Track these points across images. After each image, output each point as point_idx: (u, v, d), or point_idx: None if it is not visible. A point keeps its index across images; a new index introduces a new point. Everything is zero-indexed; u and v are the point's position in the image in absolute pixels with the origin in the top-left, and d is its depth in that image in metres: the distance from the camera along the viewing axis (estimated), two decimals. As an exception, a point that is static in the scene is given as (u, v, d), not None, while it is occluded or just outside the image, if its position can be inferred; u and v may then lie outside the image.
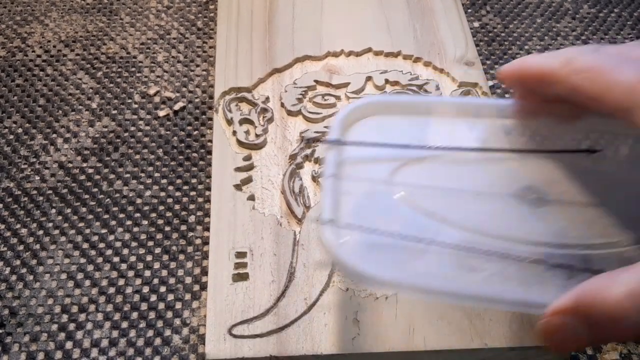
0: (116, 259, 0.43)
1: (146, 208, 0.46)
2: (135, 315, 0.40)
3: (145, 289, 0.41)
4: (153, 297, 0.41)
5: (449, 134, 0.38)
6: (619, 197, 0.37)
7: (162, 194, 0.47)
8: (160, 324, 0.40)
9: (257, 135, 0.47)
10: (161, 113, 0.52)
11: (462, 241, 0.34)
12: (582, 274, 0.33)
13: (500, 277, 0.33)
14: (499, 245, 0.34)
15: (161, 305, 0.41)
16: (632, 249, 0.35)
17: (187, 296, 0.41)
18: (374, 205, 0.35)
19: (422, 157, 0.37)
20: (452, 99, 0.43)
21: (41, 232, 0.44)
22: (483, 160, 0.38)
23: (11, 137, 0.51)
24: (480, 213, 0.35)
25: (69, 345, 0.39)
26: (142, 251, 0.43)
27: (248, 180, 0.44)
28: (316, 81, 0.51)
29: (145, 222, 0.45)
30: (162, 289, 0.41)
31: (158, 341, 0.39)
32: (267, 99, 0.50)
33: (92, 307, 0.40)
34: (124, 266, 0.42)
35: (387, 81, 0.51)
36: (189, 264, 0.43)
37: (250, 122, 0.48)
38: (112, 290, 0.41)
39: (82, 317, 0.40)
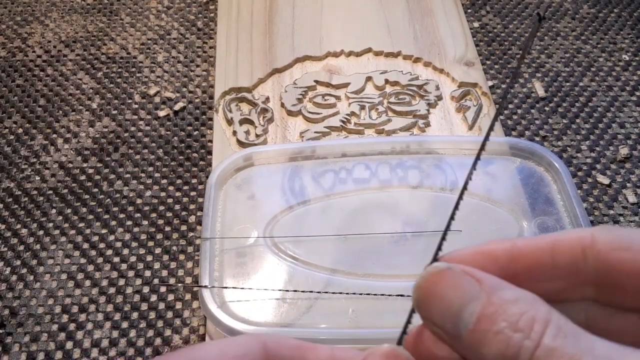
0: (116, 259, 0.43)
1: (146, 208, 0.46)
2: (135, 315, 0.40)
3: (146, 289, 0.41)
4: (153, 297, 0.41)
5: (321, 177, 0.43)
6: (477, 222, 0.40)
7: (163, 194, 0.47)
8: (160, 324, 0.40)
9: (257, 135, 0.47)
10: (161, 113, 0.52)
11: (332, 285, 0.38)
12: None
13: (372, 316, 0.36)
14: (370, 285, 0.37)
15: (161, 306, 0.41)
16: None
17: (187, 296, 0.41)
18: (252, 261, 0.39)
19: (296, 205, 0.42)
20: (334, 142, 0.46)
21: (41, 232, 0.45)
22: (354, 200, 0.42)
23: (11, 137, 0.51)
24: (350, 254, 0.39)
25: (69, 345, 0.39)
26: (142, 251, 0.43)
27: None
28: (316, 81, 0.51)
29: (145, 222, 0.45)
30: (163, 289, 0.41)
31: (158, 341, 0.39)
32: (267, 99, 0.50)
33: (92, 307, 0.40)
34: (124, 266, 0.42)
35: (387, 81, 0.51)
36: (189, 264, 0.43)
37: (251, 122, 0.48)
38: (112, 290, 0.41)
39: (83, 317, 0.40)
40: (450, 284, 0.19)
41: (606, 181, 0.48)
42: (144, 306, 0.40)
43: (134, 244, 0.44)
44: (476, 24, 0.60)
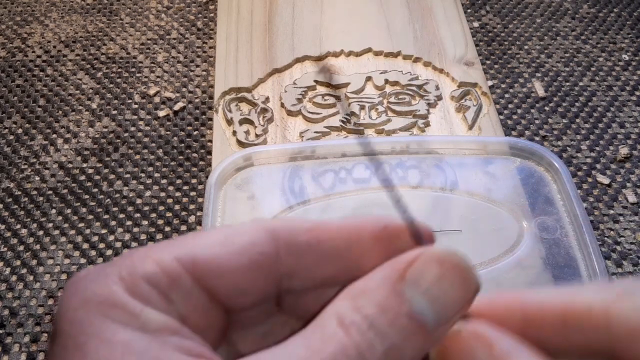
0: (116, 259, 0.43)
1: (146, 208, 0.46)
2: (135, 315, 0.40)
3: (146, 289, 0.41)
4: (153, 297, 0.41)
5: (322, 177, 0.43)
6: (477, 222, 0.40)
7: (162, 194, 0.47)
8: (160, 324, 0.40)
9: (257, 135, 0.47)
10: (161, 113, 0.52)
11: None
12: None
13: None
14: None
15: (161, 306, 0.40)
16: (486, 272, 0.38)
17: (188, 296, 0.41)
18: None
19: (296, 205, 0.42)
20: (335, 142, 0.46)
21: (41, 232, 0.44)
22: (354, 200, 0.42)
23: (11, 137, 0.51)
24: None
25: (69, 345, 0.39)
26: (142, 251, 0.43)
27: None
28: (316, 81, 0.51)
29: (145, 223, 0.45)
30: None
31: (158, 341, 0.39)
32: (267, 99, 0.50)
33: (92, 308, 0.40)
34: (124, 266, 0.42)
35: (387, 81, 0.51)
36: (189, 264, 0.43)
37: (250, 122, 0.48)
38: (112, 290, 0.41)
39: (83, 317, 0.40)
40: (461, 348, 0.18)
41: (606, 181, 0.48)
42: (144, 306, 0.40)
43: (134, 244, 0.44)
44: (476, 24, 0.60)
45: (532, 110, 0.53)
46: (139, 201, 0.46)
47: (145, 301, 0.17)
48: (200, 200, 0.46)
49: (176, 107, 0.53)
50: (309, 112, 0.49)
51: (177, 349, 0.17)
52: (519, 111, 0.53)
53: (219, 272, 0.18)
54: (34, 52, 0.58)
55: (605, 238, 0.44)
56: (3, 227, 0.45)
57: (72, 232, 0.44)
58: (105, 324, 0.17)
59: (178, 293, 0.18)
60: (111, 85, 0.54)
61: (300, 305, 0.20)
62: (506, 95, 0.54)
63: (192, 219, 0.45)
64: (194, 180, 0.48)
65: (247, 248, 0.18)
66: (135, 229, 0.45)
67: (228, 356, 0.19)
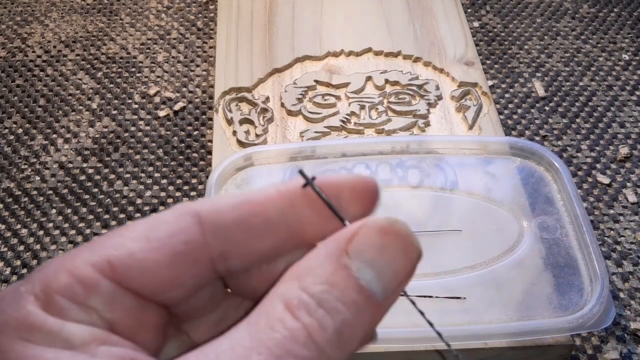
0: (116, 259, 0.43)
1: (146, 208, 0.46)
2: (135, 315, 0.40)
3: (146, 289, 0.41)
4: (153, 297, 0.41)
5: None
6: (477, 222, 0.40)
7: (163, 194, 0.47)
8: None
9: (257, 135, 0.47)
10: (161, 113, 0.52)
11: None
12: (442, 301, 0.36)
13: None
14: None
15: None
16: (486, 272, 0.38)
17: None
18: None
19: None
20: (335, 142, 0.46)
21: (41, 232, 0.45)
22: None
23: (11, 137, 0.51)
24: None
25: (69, 345, 0.39)
26: (142, 251, 0.43)
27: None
28: (316, 81, 0.51)
29: (145, 222, 0.45)
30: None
31: (158, 341, 0.39)
32: (267, 99, 0.50)
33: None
34: (124, 266, 0.42)
35: (387, 81, 0.51)
36: (189, 264, 0.43)
37: (250, 122, 0.48)
38: (112, 290, 0.41)
39: (83, 317, 0.40)
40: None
41: (606, 181, 0.48)
42: (144, 306, 0.40)
43: (134, 244, 0.44)
44: (476, 24, 0.60)
45: (532, 110, 0.53)
46: (139, 201, 0.46)
47: (64, 316, 0.16)
48: (200, 200, 0.46)
49: (176, 107, 0.53)
50: (309, 112, 0.49)
51: (107, 358, 0.16)
52: (519, 111, 0.53)
53: (139, 270, 0.17)
54: (34, 52, 0.58)
55: (605, 238, 0.44)
56: (3, 227, 0.45)
57: (73, 232, 0.44)
58: (27, 348, 0.16)
59: (98, 300, 0.17)
60: (111, 85, 0.54)
61: (248, 285, 0.19)
62: (506, 95, 0.54)
63: (192, 218, 0.45)
64: (194, 180, 0.48)
65: (167, 239, 0.17)
66: (136, 229, 0.45)
67: (185, 348, 0.19)
